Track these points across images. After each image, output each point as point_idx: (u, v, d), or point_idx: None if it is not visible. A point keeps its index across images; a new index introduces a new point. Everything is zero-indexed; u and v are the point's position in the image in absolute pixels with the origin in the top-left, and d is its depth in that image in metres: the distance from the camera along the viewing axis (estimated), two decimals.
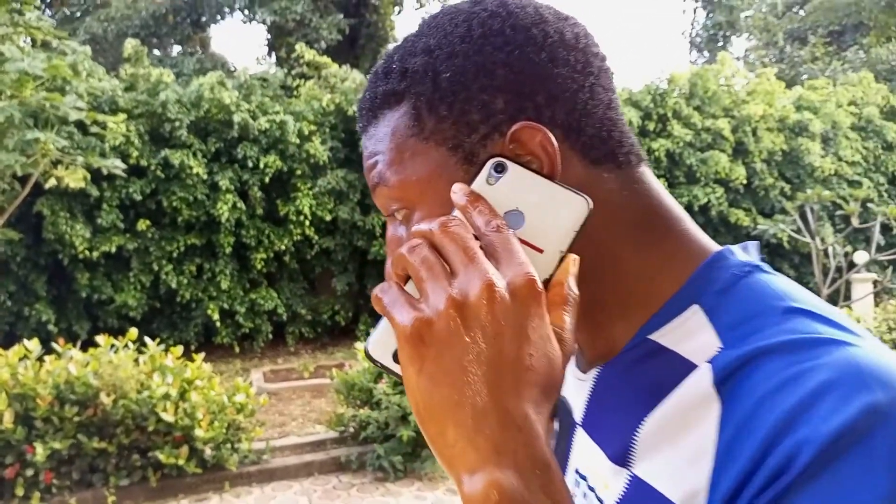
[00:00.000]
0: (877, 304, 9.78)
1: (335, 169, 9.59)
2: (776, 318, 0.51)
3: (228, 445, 5.21)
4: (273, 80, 10.60)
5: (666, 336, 0.55)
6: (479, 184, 0.51)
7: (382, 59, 0.62)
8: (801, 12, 23.23)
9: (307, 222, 9.35)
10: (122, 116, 7.88)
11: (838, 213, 10.88)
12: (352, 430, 5.75)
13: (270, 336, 9.69)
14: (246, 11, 15.13)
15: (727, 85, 11.89)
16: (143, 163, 8.68)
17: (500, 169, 0.51)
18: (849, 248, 9.87)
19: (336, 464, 5.56)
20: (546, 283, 0.48)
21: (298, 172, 9.38)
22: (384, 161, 0.58)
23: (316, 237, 9.57)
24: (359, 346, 6.22)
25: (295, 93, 10.39)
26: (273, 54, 15.31)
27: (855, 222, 10.02)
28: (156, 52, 15.26)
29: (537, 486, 0.42)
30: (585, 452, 0.62)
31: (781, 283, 0.55)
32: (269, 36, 15.32)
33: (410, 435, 5.26)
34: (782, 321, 0.50)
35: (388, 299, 0.46)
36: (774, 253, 11.66)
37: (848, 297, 9.55)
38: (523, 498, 0.41)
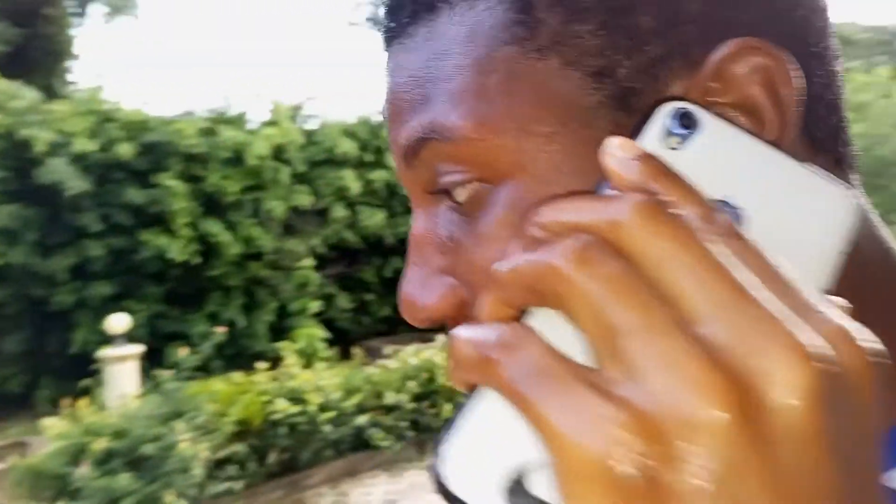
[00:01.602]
0: None
1: (4, 204, 8.32)
2: None
3: None
4: None
5: None
6: (649, 147, 0.28)
7: None
8: None
9: None
10: None
11: None
12: None
13: None
14: None
15: None
16: None
17: (686, 123, 0.28)
18: None
19: None
20: None
21: None
22: (447, 91, 0.34)
23: None
24: (48, 422, 5.10)
25: None
26: None
27: None
28: None
29: None
30: None
31: None
32: None
33: None
34: None
35: (522, 371, 0.22)
36: None
37: None
38: None
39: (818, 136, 0.36)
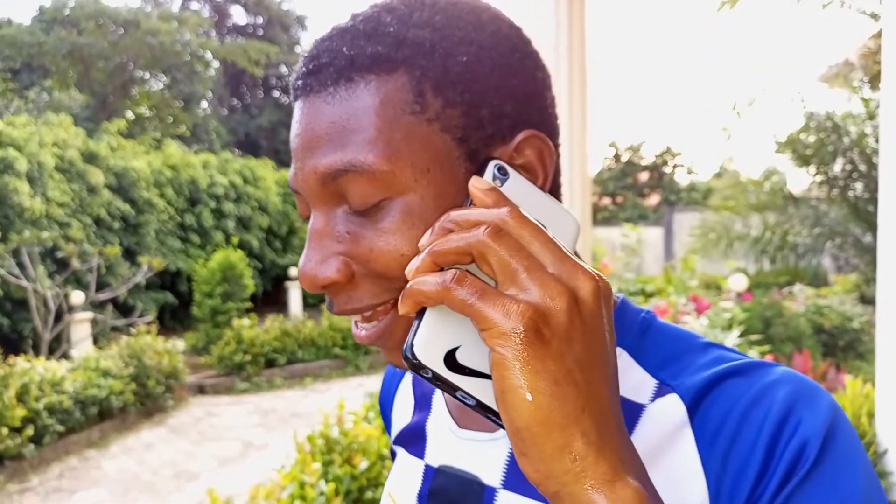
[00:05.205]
0: (96, 344, 9.94)
1: None
2: (700, 352, 0.57)
3: None
4: None
5: None
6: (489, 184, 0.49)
7: (357, 17, 0.54)
8: None
9: None
10: None
11: (56, 255, 10.65)
12: None
13: None
14: None
15: None
16: None
17: (502, 173, 0.50)
18: (67, 290, 9.78)
19: None
20: None
21: None
22: (366, 138, 0.50)
23: None
24: None
25: None
26: None
27: (76, 263, 10.01)
28: None
29: (654, 493, 0.42)
30: None
31: (675, 326, 0.62)
32: None
33: None
34: (707, 354, 0.56)
35: (469, 291, 0.40)
36: None
37: (69, 340, 9.44)
38: None
39: (556, 186, 0.58)
